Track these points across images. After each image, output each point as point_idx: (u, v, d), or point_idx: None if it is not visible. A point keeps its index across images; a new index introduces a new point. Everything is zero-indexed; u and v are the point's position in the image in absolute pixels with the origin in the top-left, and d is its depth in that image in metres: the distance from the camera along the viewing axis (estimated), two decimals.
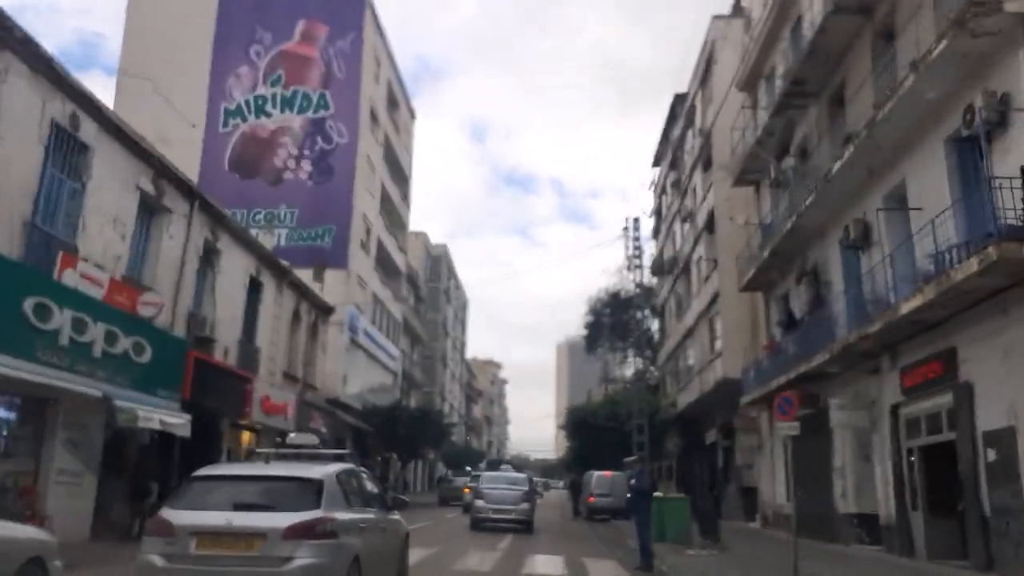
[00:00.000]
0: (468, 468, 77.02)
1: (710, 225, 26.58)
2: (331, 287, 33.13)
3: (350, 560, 6.69)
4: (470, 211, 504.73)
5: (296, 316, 25.29)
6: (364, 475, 8.67)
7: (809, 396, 16.47)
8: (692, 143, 30.73)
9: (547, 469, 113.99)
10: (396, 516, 8.96)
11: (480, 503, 20.34)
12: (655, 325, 44.06)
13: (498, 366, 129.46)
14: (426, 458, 52.52)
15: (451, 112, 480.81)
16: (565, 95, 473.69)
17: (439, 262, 64.08)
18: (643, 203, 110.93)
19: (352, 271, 33.80)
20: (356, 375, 35.16)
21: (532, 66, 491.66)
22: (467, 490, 26.69)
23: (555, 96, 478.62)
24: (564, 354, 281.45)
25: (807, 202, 16.62)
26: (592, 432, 29.88)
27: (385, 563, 7.94)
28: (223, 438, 19.47)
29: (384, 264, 41.11)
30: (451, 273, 69.38)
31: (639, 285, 36.87)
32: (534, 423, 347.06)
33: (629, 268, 40.68)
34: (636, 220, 33.96)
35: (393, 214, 42.32)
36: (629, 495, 14.99)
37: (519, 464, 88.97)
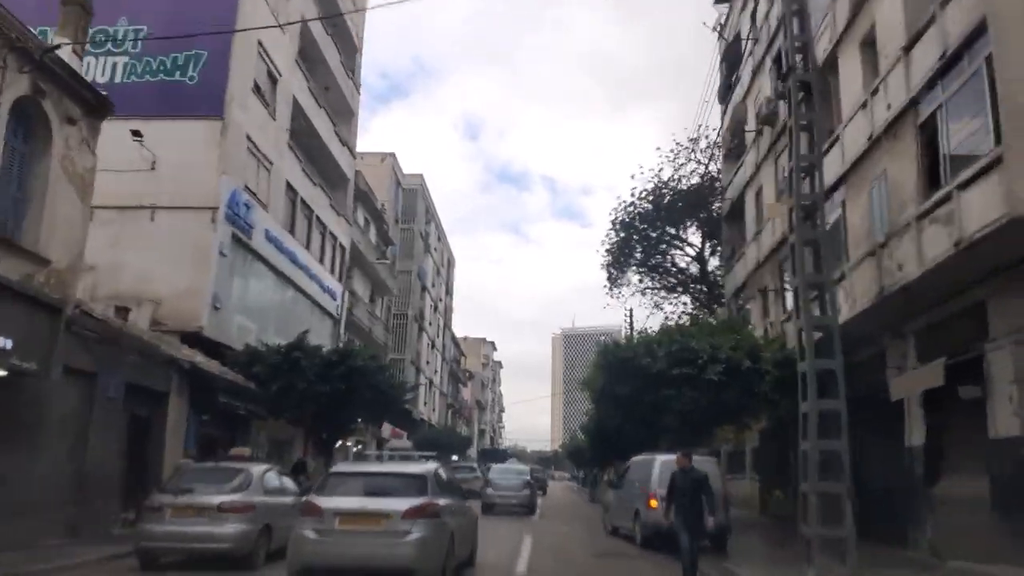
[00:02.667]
0: (455, 457, 64.19)
1: None
2: (192, 142, 19.87)
3: (448, 535, 9.01)
4: (463, 208, 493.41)
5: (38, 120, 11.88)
6: (447, 471, 11.43)
7: None
8: None
9: (543, 461, 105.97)
10: (469, 503, 11.39)
11: (489, 491, 24.10)
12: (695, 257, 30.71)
13: (491, 346, 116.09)
14: (372, 439, 39.26)
15: (446, 110, 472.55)
16: (557, 93, 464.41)
17: (413, 198, 50.62)
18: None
19: (234, 123, 20.44)
20: (247, 301, 21.85)
21: (525, 64, 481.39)
22: None
23: (548, 94, 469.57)
24: (560, 346, 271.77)
25: None
26: (648, 385, 16.52)
27: (466, 539, 10.33)
28: None
29: (311, 154, 27.70)
30: (430, 215, 55.86)
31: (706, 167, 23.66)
32: (530, 415, 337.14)
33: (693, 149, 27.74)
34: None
35: (327, 79, 28.87)
36: None
37: (515, 456, 78.46)
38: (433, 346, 58.11)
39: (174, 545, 10.17)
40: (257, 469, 11.38)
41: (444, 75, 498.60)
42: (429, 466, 9.90)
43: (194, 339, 18.64)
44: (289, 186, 25.06)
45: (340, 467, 10.45)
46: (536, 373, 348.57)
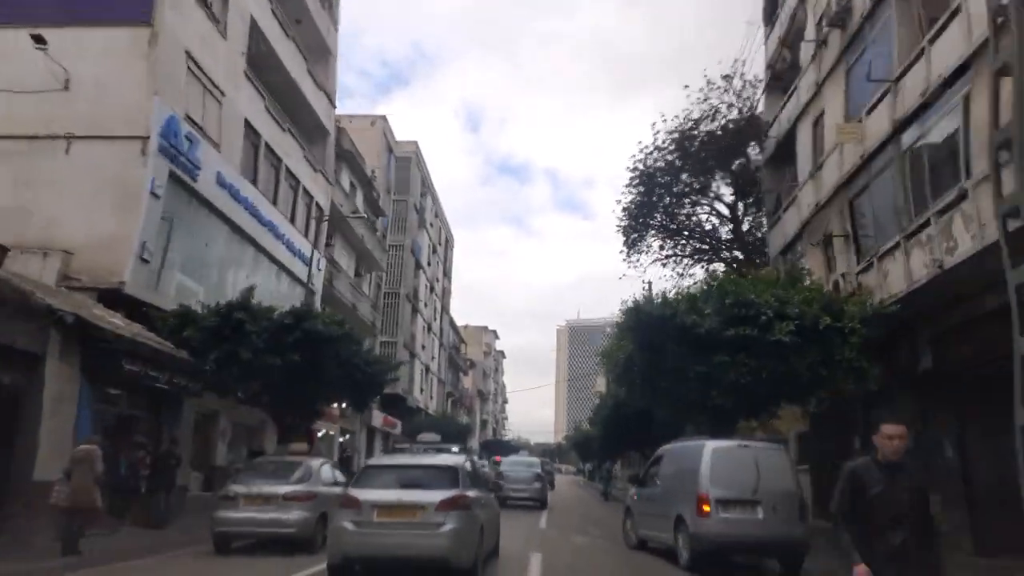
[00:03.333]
0: (454, 448, 60.65)
1: None
2: (113, 54, 16.01)
3: (479, 526, 9.16)
4: (465, 201, 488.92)
5: None
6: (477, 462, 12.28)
7: None
8: None
9: (547, 454, 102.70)
10: (493, 495, 12.01)
11: (501, 483, 22.61)
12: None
13: (493, 335, 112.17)
14: (363, 427, 35.61)
15: (446, 100, 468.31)
16: (559, 81, 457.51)
17: (407, 167, 46.57)
18: None
19: (167, 31, 16.42)
20: (192, 258, 17.92)
21: (526, 51, 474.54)
22: None
23: (549, 83, 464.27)
24: (565, 337, 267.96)
25: None
26: (694, 351, 12.50)
27: (492, 530, 10.56)
28: None
29: (280, 94, 23.71)
30: (426, 187, 51.79)
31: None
32: (533, 407, 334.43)
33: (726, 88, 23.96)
34: None
35: (299, 11, 24.86)
36: None
37: (519, 448, 75.23)
38: (429, 330, 54.19)
39: (246, 530, 11.44)
40: (315, 463, 12.95)
41: (444, 63, 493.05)
42: (459, 458, 10.22)
43: (115, 298, 14.74)
44: (249, 126, 21.07)
45: (375, 460, 11.08)
46: (539, 366, 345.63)
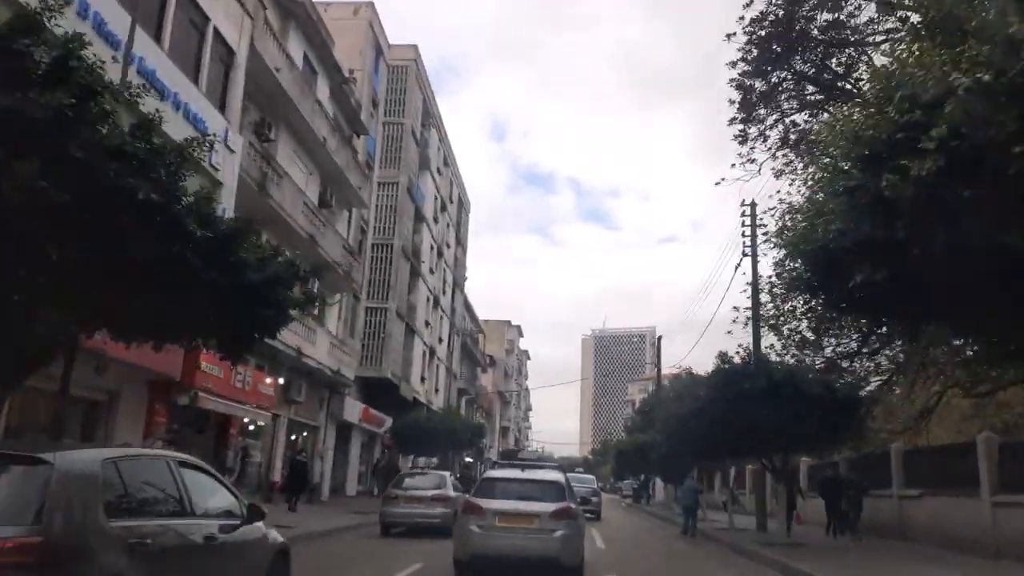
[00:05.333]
0: (468, 460, 48.89)
1: None
2: None
3: (583, 533, 10.83)
4: (490, 210, 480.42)
5: None
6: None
7: None
8: None
9: (572, 468, 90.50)
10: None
11: None
12: None
13: (517, 331, 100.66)
14: (331, 419, 24.66)
15: (471, 111, 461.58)
16: (583, 92, 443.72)
17: (403, 80, 35.44)
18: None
19: None
20: None
21: (550, 62, 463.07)
22: None
23: (573, 93, 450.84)
24: (590, 347, 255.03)
25: None
26: None
27: (585, 536, 11.33)
28: None
29: None
30: (431, 118, 40.46)
31: None
32: (556, 418, 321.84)
33: None
34: None
35: None
36: None
37: (543, 461, 64.33)
38: (436, 305, 42.93)
39: (404, 520, 16.42)
40: (446, 474, 18.99)
41: (470, 75, 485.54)
42: (561, 474, 11.39)
43: None
44: None
45: (491, 473, 11.95)
46: (563, 376, 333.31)
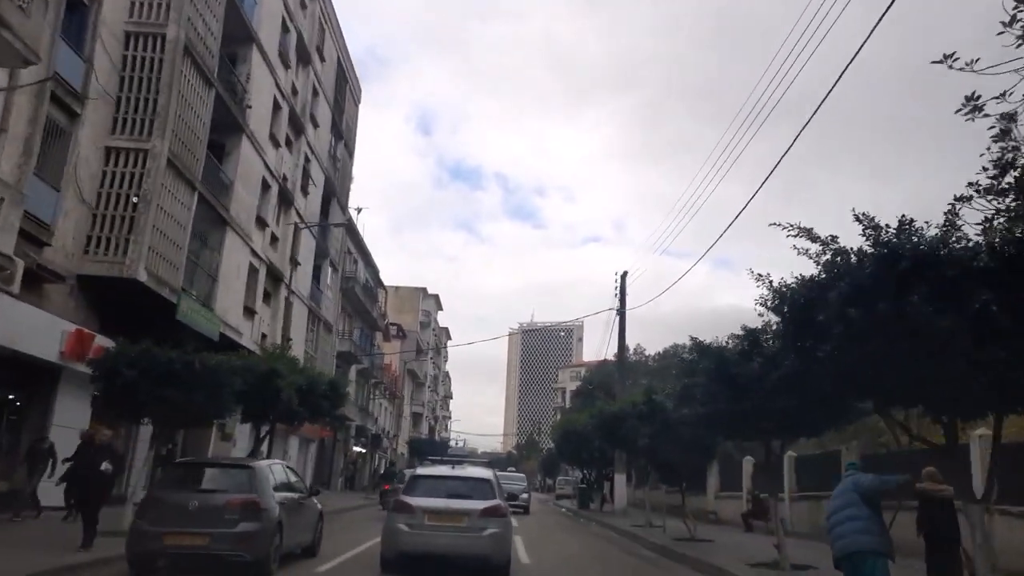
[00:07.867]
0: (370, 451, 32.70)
1: None
2: None
3: (512, 530, 11.24)
4: (416, 204, 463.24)
5: None
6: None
7: None
8: None
9: (497, 463, 77.95)
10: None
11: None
12: None
13: (434, 301, 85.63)
14: None
15: (398, 103, 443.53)
16: (511, 86, 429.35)
17: None
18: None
19: None
20: None
21: (479, 55, 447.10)
22: None
23: (502, 87, 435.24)
24: (517, 342, 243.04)
25: None
26: None
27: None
28: None
29: None
30: None
31: None
32: (479, 415, 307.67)
33: None
34: None
35: None
36: None
37: (461, 456, 59.00)
38: (289, 206, 27.58)
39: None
40: (493, 471, 18.00)
41: (396, 65, 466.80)
42: (491, 472, 11.83)
43: None
44: None
45: (422, 470, 13.18)
46: (488, 372, 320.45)
